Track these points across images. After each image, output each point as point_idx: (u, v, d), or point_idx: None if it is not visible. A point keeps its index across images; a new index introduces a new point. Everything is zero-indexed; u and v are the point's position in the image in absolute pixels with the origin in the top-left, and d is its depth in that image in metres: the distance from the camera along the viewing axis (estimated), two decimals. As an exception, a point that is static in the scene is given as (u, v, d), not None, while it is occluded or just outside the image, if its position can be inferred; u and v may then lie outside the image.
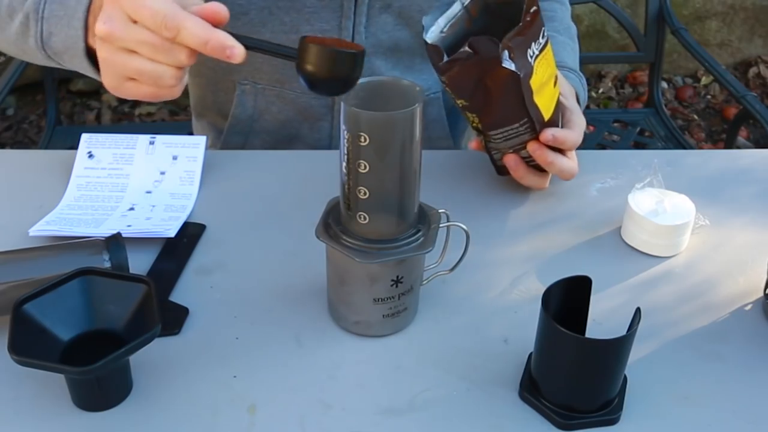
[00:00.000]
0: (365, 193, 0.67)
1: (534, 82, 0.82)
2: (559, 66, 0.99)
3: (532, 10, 0.79)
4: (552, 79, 0.87)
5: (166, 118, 2.57)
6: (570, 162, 0.91)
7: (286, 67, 1.06)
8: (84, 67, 0.81)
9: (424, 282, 0.77)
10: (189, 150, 0.97)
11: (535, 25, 0.80)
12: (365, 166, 0.65)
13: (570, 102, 0.94)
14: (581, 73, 1.05)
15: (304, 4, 0.99)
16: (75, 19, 0.78)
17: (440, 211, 0.74)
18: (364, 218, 0.68)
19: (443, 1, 1.03)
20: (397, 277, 0.71)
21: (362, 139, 0.64)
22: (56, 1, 0.80)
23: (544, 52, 0.84)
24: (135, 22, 0.67)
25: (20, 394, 0.69)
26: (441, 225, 0.73)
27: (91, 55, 0.79)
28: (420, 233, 0.71)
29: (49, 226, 0.86)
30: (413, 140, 0.66)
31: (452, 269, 0.78)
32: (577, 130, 0.91)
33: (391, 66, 1.07)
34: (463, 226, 0.75)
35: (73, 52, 0.80)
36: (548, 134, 0.87)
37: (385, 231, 0.69)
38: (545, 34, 0.83)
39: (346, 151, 0.66)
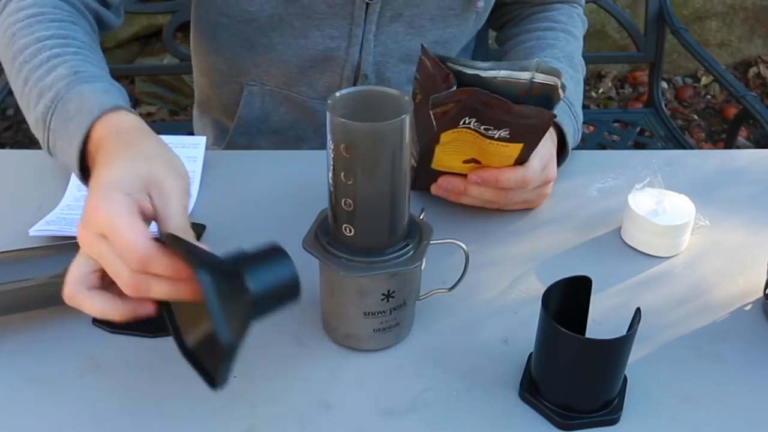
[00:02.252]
0: (350, 205, 0.65)
1: (446, 136, 0.81)
2: None
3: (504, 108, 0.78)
4: (466, 160, 0.85)
5: (166, 118, 2.57)
6: (488, 192, 0.86)
7: (294, 71, 1.06)
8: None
9: (421, 297, 0.76)
10: (189, 150, 0.97)
11: (494, 110, 0.78)
12: (350, 178, 0.64)
13: None
14: (572, 103, 0.99)
15: (315, 11, 0.99)
16: (73, 148, 0.76)
17: (456, 242, 0.73)
18: (350, 230, 0.67)
19: (456, 10, 1.03)
20: (388, 291, 0.70)
21: (347, 150, 0.62)
22: (61, 117, 0.77)
23: (480, 137, 0.81)
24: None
25: (18, 396, 0.69)
26: (439, 241, 0.72)
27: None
28: (410, 247, 0.69)
29: (49, 226, 0.86)
30: (401, 152, 0.64)
31: (452, 288, 0.76)
32: (521, 169, 0.85)
33: (402, 74, 1.07)
34: (462, 245, 0.73)
35: (74, 172, 0.78)
36: (474, 176, 0.85)
37: (372, 244, 0.68)
38: (501, 136, 0.80)
39: (332, 162, 0.64)
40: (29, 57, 0.82)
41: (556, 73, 0.81)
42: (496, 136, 0.81)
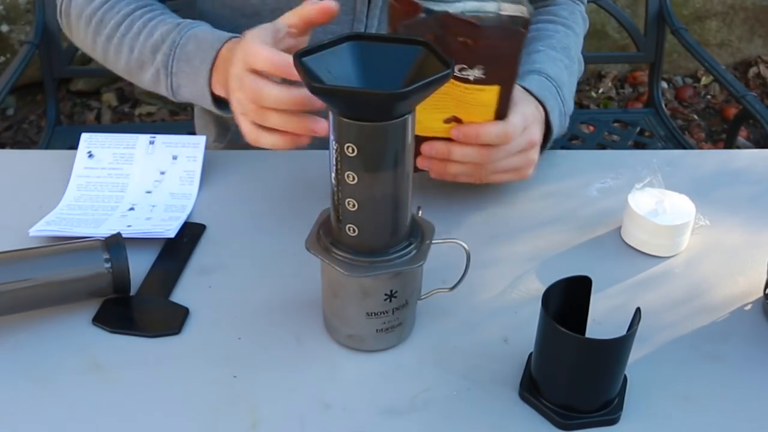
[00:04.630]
0: (354, 205, 0.65)
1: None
2: (539, 72, 0.97)
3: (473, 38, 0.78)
4: (447, 119, 0.85)
5: (166, 118, 2.56)
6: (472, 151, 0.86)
7: None
8: (215, 111, 0.94)
9: (423, 297, 0.76)
10: (189, 150, 0.97)
11: (464, 39, 0.78)
12: (353, 178, 0.64)
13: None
14: (561, 87, 0.99)
15: None
16: (201, 77, 0.91)
17: (458, 241, 0.72)
18: (354, 230, 0.66)
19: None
20: (391, 291, 0.70)
21: (350, 150, 0.62)
22: (182, 59, 0.93)
23: (456, 84, 0.81)
24: (255, 71, 0.79)
25: (18, 396, 0.69)
26: (441, 241, 0.72)
27: (216, 98, 0.93)
28: (412, 246, 0.69)
29: (49, 226, 0.86)
30: (404, 151, 0.64)
31: (453, 288, 0.76)
32: (501, 123, 0.85)
33: None
34: (464, 244, 0.73)
35: (201, 101, 0.94)
36: (455, 131, 0.85)
37: (376, 244, 0.68)
38: (477, 76, 0.81)
39: (334, 162, 0.64)
40: (125, 30, 0.96)
41: (519, 1, 0.81)
42: (472, 78, 0.80)
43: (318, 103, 0.75)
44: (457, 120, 0.85)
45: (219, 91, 0.92)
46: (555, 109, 0.95)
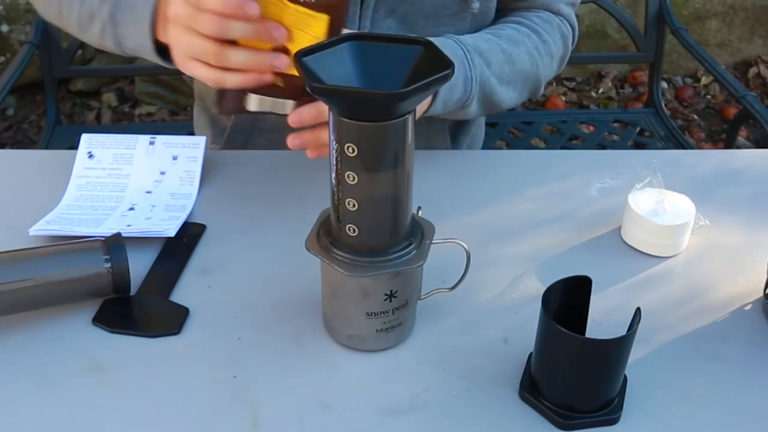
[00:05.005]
0: (354, 205, 0.65)
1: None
2: (450, 37, 0.94)
3: None
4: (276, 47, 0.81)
5: (166, 118, 2.56)
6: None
7: None
8: (157, 61, 0.91)
9: (423, 297, 0.76)
10: (189, 150, 0.97)
11: None
12: (354, 178, 0.64)
13: None
14: (470, 50, 0.94)
15: None
16: (143, 23, 0.88)
17: (458, 241, 0.72)
18: (354, 230, 0.67)
19: (451, 9, 1.03)
20: (391, 291, 0.70)
21: (350, 150, 0.63)
22: (127, 7, 0.91)
23: (286, 3, 0.77)
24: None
25: (18, 396, 0.69)
26: (441, 241, 0.72)
27: (161, 51, 0.89)
28: (412, 246, 0.69)
29: (49, 226, 0.86)
30: (404, 151, 0.64)
31: (453, 288, 0.76)
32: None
33: None
34: (464, 244, 0.73)
35: (145, 50, 0.90)
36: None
37: (376, 244, 0.68)
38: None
39: (334, 162, 0.64)
40: None
41: None
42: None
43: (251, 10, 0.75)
44: (286, 51, 0.80)
45: (164, 38, 0.88)
46: (456, 68, 0.90)
